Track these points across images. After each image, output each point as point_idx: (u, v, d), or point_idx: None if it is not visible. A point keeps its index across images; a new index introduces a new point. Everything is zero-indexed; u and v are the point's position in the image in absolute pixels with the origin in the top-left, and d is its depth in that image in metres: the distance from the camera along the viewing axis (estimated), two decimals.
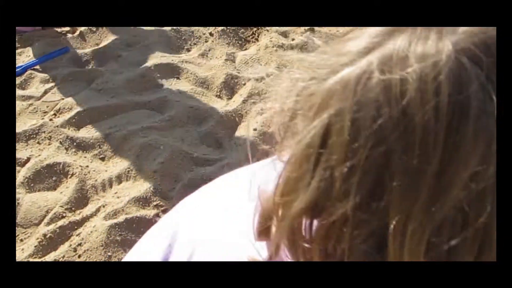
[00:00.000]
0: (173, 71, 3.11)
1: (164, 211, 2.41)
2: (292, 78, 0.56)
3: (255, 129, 2.71)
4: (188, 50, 3.34)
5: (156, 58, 3.16)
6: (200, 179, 2.49)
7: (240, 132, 2.78)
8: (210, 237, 0.71)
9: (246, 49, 3.34)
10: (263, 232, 0.60)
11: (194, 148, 2.67)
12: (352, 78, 0.50)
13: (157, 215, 2.38)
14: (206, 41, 3.34)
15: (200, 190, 0.81)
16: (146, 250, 0.77)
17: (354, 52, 0.52)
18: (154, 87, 3.02)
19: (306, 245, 0.55)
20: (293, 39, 3.36)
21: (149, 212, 2.37)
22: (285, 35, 3.42)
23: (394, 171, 0.48)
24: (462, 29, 0.50)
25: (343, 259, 0.52)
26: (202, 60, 3.22)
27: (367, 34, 0.53)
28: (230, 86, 3.03)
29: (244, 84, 3.02)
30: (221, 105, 2.91)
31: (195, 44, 3.36)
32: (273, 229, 0.58)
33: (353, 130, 0.49)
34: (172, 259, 0.72)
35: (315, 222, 0.54)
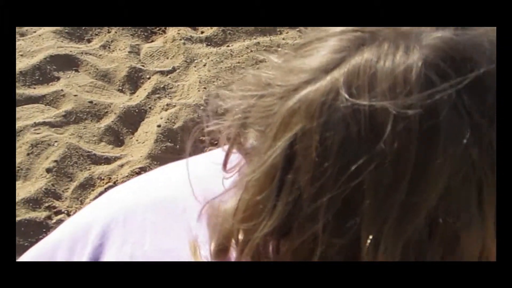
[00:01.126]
0: (71, 63, 2.93)
1: (57, 213, 2.27)
2: (244, 95, 0.55)
3: (159, 126, 2.59)
4: (89, 40, 3.15)
5: (53, 49, 2.96)
6: (97, 179, 2.36)
7: (143, 128, 2.65)
8: (152, 243, 0.68)
9: (152, 41, 3.19)
10: (221, 251, 0.58)
11: (93, 146, 2.53)
12: (317, 97, 0.49)
13: (49, 218, 2.25)
14: (109, 32, 3.16)
15: (127, 185, 0.76)
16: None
17: (316, 68, 0.51)
18: (49, 80, 2.83)
19: None
20: (202, 32, 3.24)
21: (40, 214, 2.23)
22: (194, 27, 3.30)
23: (365, 190, 0.48)
24: (429, 40, 0.49)
25: None
26: (103, 51, 3.05)
27: (329, 48, 0.51)
28: (133, 80, 2.89)
29: (149, 78, 2.89)
30: (123, 100, 2.77)
31: (96, 34, 3.17)
32: (233, 250, 0.57)
33: (321, 151, 0.49)
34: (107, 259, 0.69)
35: (282, 242, 0.53)
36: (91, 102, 2.71)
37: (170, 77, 2.87)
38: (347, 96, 0.48)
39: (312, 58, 0.52)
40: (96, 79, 2.87)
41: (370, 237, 0.49)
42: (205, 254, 0.58)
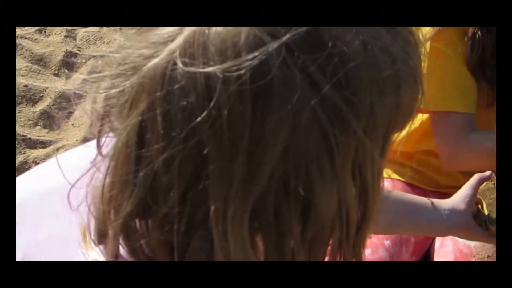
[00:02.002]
0: None
1: None
2: (98, 77, 0.55)
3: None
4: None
5: None
6: (32, 163, 2.37)
7: (79, 113, 2.66)
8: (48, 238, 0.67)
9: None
10: (101, 236, 0.58)
11: (27, 130, 2.52)
12: (157, 70, 0.50)
13: None
14: None
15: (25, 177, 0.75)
16: None
17: (157, 42, 0.51)
18: None
19: (144, 244, 0.55)
20: None
21: None
22: None
23: (208, 157, 0.50)
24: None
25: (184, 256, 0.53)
26: (39, 36, 3.03)
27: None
28: (69, 65, 2.89)
29: (85, 63, 2.89)
30: (59, 84, 2.77)
31: None
32: (109, 233, 0.56)
33: (165, 123, 0.50)
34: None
35: (149, 221, 0.54)
36: (26, 86, 2.69)
37: (106, 62, 2.87)
38: (181, 66, 0.49)
39: (152, 33, 0.52)
40: (31, 63, 2.85)
41: (216, 203, 0.50)
42: (92, 239, 0.58)
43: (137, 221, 0.55)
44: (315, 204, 0.52)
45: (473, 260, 1.38)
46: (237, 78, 0.48)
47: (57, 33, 3.07)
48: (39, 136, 2.52)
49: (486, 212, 1.12)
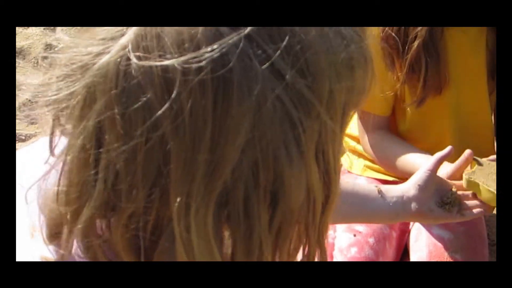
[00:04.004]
0: None
1: None
2: (46, 79, 0.55)
3: None
4: None
5: None
6: None
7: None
8: None
9: None
10: (53, 236, 0.57)
11: None
12: (109, 67, 0.49)
13: None
14: None
15: None
16: None
17: (106, 38, 0.50)
18: None
19: (105, 243, 0.54)
20: None
21: None
22: None
23: (171, 153, 0.49)
24: None
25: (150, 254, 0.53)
26: (18, 28, 3.00)
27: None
28: (48, 58, 2.85)
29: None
30: (38, 77, 2.74)
31: None
32: (64, 233, 0.55)
33: (124, 122, 0.48)
34: None
35: (112, 219, 0.53)
36: None
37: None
38: (135, 60, 0.47)
39: (100, 30, 0.51)
40: None
41: (178, 199, 0.49)
42: (43, 238, 0.57)
43: (97, 221, 0.54)
44: (284, 192, 0.52)
45: (447, 252, 1.40)
46: (197, 71, 0.47)
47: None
48: (18, 130, 2.50)
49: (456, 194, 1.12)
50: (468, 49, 1.35)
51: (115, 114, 0.49)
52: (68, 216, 0.54)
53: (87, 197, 0.52)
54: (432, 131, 1.44)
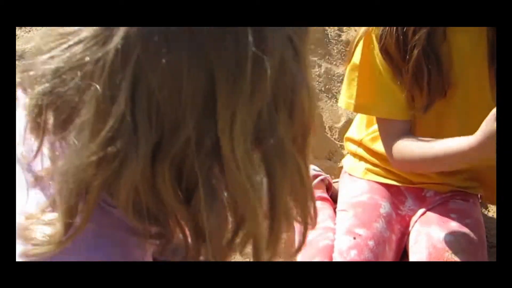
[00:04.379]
0: None
1: None
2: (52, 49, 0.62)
3: None
4: None
5: None
6: None
7: None
8: None
9: None
10: (71, 208, 0.57)
11: None
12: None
13: None
14: None
15: None
16: None
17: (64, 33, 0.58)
18: None
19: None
20: None
21: None
22: None
23: (219, 73, 0.53)
24: None
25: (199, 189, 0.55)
26: (19, 31, 3.01)
27: None
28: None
29: None
30: None
31: None
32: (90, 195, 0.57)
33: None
34: None
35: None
36: None
37: None
38: None
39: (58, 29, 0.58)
40: None
41: (225, 113, 0.54)
42: (49, 217, 0.59)
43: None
44: (296, 110, 0.59)
45: (446, 254, 1.41)
46: None
47: (37, 29, 3.04)
48: None
49: None
50: (470, 49, 1.34)
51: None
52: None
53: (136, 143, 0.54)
54: (441, 133, 1.43)
